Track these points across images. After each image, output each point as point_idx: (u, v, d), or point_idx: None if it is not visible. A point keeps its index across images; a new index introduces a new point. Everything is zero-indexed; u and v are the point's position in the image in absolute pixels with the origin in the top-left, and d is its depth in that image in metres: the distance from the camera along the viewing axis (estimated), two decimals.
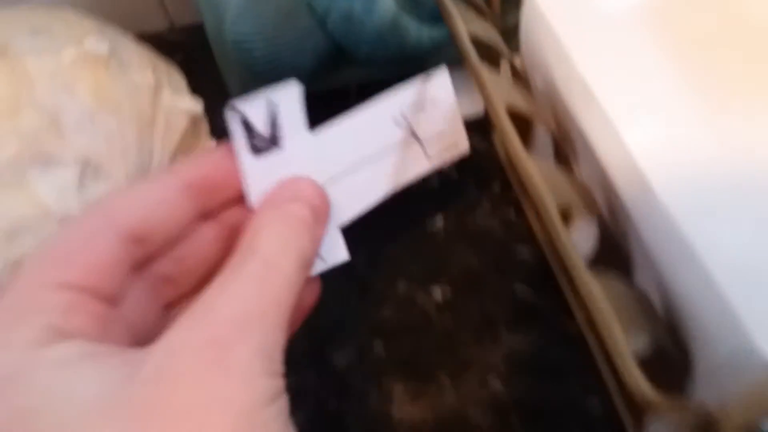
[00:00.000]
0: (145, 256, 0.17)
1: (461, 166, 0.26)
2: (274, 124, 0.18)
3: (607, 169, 0.16)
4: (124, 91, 0.21)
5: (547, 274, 0.23)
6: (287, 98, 0.18)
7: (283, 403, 0.14)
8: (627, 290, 0.15)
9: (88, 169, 0.20)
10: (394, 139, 0.20)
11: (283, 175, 0.18)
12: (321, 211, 0.18)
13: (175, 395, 0.13)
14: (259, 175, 0.18)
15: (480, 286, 0.23)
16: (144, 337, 0.16)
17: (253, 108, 0.17)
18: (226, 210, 0.18)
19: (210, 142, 0.26)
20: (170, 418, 0.13)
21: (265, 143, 0.18)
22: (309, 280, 0.17)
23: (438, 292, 0.23)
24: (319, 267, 0.18)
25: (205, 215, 0.18)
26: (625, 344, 0.13)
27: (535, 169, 0.15)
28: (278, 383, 0.14)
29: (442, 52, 0.29)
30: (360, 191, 0.19)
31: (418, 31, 0.25)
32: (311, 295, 0.19)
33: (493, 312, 0.23)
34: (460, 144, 0.21)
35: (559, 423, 0.20)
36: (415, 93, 0.20)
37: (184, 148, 0.24)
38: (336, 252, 0.18)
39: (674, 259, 0.14)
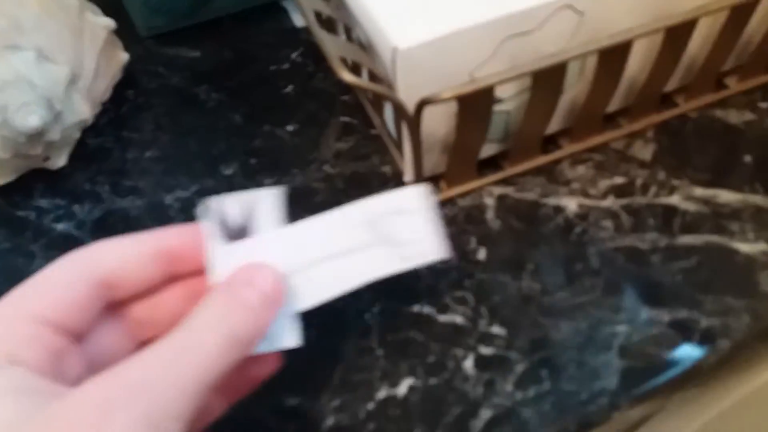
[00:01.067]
0: (115, 300, 0.20)
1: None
2: (248, 218, 0.20)
3: None
4: (58, 7, 0.33)
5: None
6: (267, 200, 0.21)
7: None
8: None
9: (41, 55, 0.31)
10: (367, 240, 0.21)
11: (247, 261, 0.20)
12: (272, 298, 0.19)
13: None
14: (223, 258, 0.20)
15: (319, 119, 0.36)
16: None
17: (232, 202, 0.20)
18: (196, 275, 0.20)
19: (123, 53, 0.37)
20: None
21: (235, 231, 0.20)
22: (264, 356, 0.20)
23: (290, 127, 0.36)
24: (263, 348, 0.19)
25: (177, 277, 0.20)
26: (334, 52, 0.25)
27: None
28: None
29: None
30: (326, 282, 0.21)
31: None
32: (263, 369, 0.21)
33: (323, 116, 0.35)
34: (435, 250, 0.21)
35: (367, 184, 0.32)
36: (393, 200, 0.21)
37: (105, 53, 0.35)
38: (286, 336, 0.20)
39: None
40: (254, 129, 0.35)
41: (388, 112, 0.32)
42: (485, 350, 0.26)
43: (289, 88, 0.37)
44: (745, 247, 0.27)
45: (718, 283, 0.26)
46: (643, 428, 0.30)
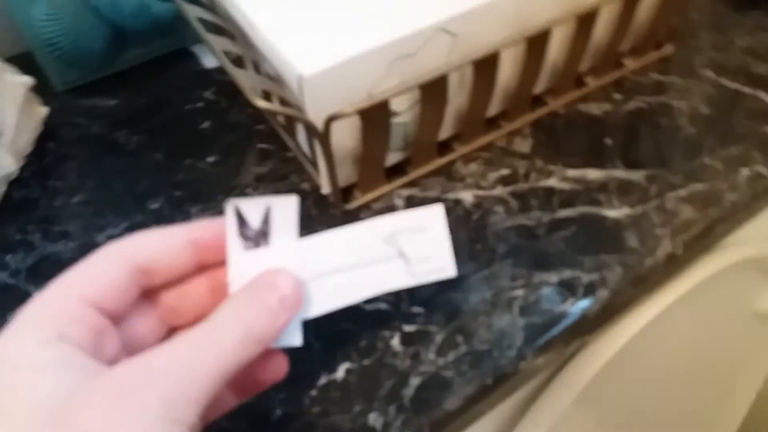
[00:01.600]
0: (151, 286, 0.21)
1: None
2: (266, 222, 0.22)
3: None
4: None
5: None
6: (283, 206, 0.22)
7: None
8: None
9: None
10: (382, 255, 0.22)
11: (265, 266, 0.21)
12: (290, 302, 0.21)
13: (79, 416, 0.17)
14: (241, 261, 0.21)
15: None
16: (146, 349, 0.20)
17: (250, 206, 0.21)
18: (221, 267, 0.22)
19: (42, 108, 0.39)
20: None
21: (253, 235, 0.21)
22: (273, 359, 0.22)
23: (210, 159, 0.39)
24: (270, 345, 0.21)
25: (205, 267, 0.22)
26: (247, 84, 0.28)
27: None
28: (177, 430, 0.17)
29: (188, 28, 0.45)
30: (336, 292, 0.22)
31: (161, 5, 0.40)
32: (273, 373, 0.22)
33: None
34: (446, 268, 0.23)
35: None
36: (409, 218, 0.23)
37: (25, 109, 0.37)
38: (291, 337, 0.22)
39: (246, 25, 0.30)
40: (176, 164, 0.38)
41: (301, 134, 0.35)
42: (408, 328, 0.30)
43: (206, 124, 0.40)
44: (612, 213, 0.33)
45: (593, 245, 0.32)
46: (557, 378, 0.35)
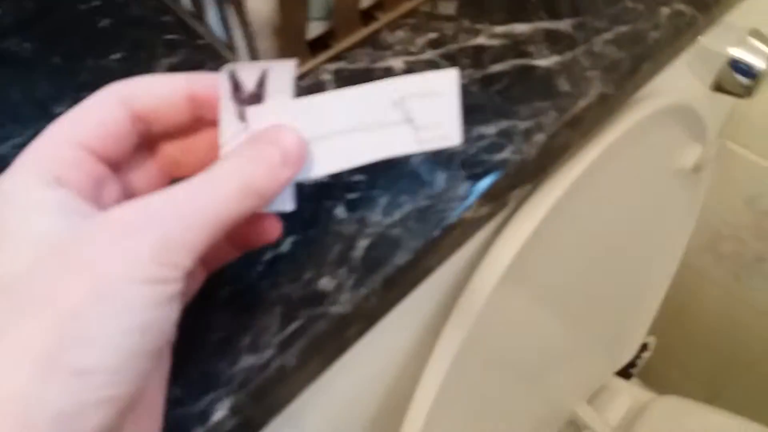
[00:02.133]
0: (149, 134, 0.21)
1: None
2: (261, 86, 0.20)
3: None
4: None
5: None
6: (280, 69, 0.21)
7: (158, 294, 0.17)
8: None
9: None
10: (388, 118, 0.21)
11: (260, 126, 0.20)
12: (293, 158, 0.20)
13: (73, 250, 0.17)
14: (234, 123, 0.21)
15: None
16: None
17: (245, 69, 0.20)
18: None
19: None
20: (54, 273, 0.17)
21: (247, 98, 0.20)
22: (267, 220, 0.22)
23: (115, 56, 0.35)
24: (264, 207, 0.20)
25: (205, 122, 0.21)
26: None
27: None
28: (163, 273, 0.17)
29: None
30: (337, 154, 0.21)
31: None
32: (267, 233, 0.22)
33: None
34: (452, 136, 0.22)
35: None
36: (421, 82, 0.21)
37: None
38: (284, 202, 0.21)
39: None
40: (77, 66, 0.35)
41: (211, 17, 0.33)
42: (352, 195, 0.29)
43: (105, 22, 0.37)
44: (542, 62, 0.33)
45: (527, 94, 0.31)
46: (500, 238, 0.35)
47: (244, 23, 0.29)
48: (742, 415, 0.77)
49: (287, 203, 0.22)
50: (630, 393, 0.85)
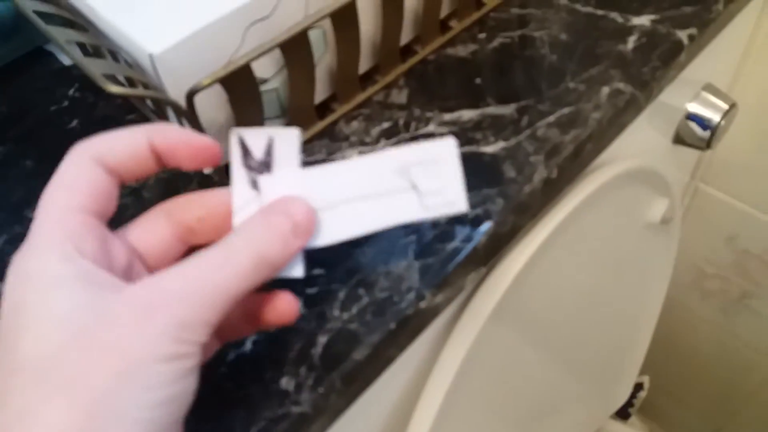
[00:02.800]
0: (121, 184, 0.22)
1: None
2: (268, 153, 0.22)
3: None
4: None
5: None
6: (286, 137, 0.22)
7: (178, 369, 0.19)
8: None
9: None
10: (393, 186, 0.22)
11: (269, 196, 0.22)
12: (303, 228, 0.22)
13: (99, 332, 0.18)
14: (246, 192, 0.22)
15: None
16: (162, 263, 0.23)
17: (252, 135, 0.22)
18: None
19: None
20: (82, 351, 0.18)
21: (256, 165, 0.22)
22: (283, 299, 0.23)
23: None
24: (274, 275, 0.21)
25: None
26: (96, 71, 0.28)
27: None
28: (183, 350, 0.19)
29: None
30: (345, 223, 0.22)
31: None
32: (284, 312, 0.23)
33: None
34: (458, 203, 0.23)
35: (175, 186, 0.35)
36: (421, 150, 0.23)
37: None
38: (293, 268, 0.22)
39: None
40: (49, 168, 0.36)
41: (173, 118, 0.35)
42: (311, 290, 0.31)
43: (74, 123, 0.39)
44: (489, 149, 0.35)
45: (475, 181, 0.33)
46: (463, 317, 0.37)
47: (200, 131, 0.31)
48: None
49: (296, 270, 0.22)
50: None
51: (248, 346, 0.29)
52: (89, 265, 0.20)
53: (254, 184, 0.23)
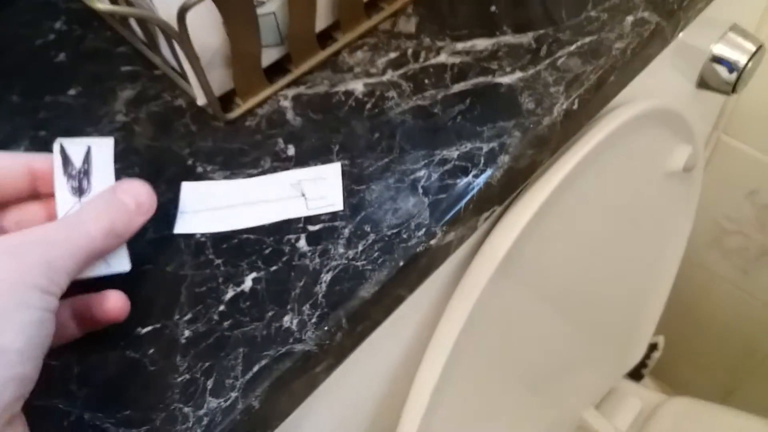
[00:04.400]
0: None
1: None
2: (86, 161, 0.27)
3: None
4: None
5: None
6: (101, 146, 0.27)
7: (43, 301, 0.22)
8: None
9: None
10: (286, 195, 0.30)
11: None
12: (146, 207, 0.26)
13: None
14: (68, 196, 0.26)
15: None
16: None
17: (72, 145, 0.26)
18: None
19: None
20: None
21: (76, 173, 0.26)
22: (116, 299, 0.26)
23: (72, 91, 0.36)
24: (102, 270, 0.26)
25: (37, 196, 0.26)
26: None
27: None
28: (48, 286, 0.22)
29: None
30: (228, 219, 0.29)
31: None
32: (112, 311, 0.26)
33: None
34: (335, 203, 0.30)
35: (166, 120, 0.34)
36: (314, 171, 0.31)
37: None
38: (120, 262, 0.26)
39: None
40: (35, 103, 0.36)
41: (164, 46, 0.34)
42: (313, 228, 0.30)
43: (62, 56, 0.38)
44: (505, 79, 0.33)
45: (490, 113, 0.32)
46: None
47: (192, 57, 0.30)
48: (759, 409, 0.78)
49: (124, 264, 0.27)
50: (640, 395, 0.85)
51: (247, 283, 0.28)
52: None
53: (75, 191, 0.27)
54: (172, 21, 0.28)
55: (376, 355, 0.36)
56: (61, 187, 0.26)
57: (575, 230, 0.45)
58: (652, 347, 1.02)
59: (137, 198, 0.26)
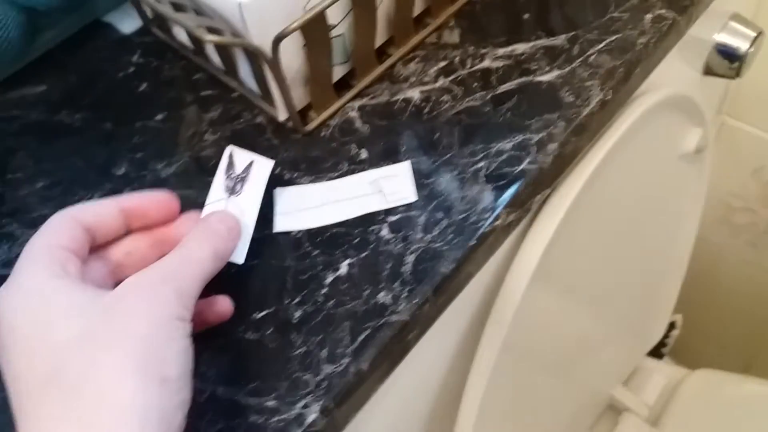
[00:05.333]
0: (94, 244, 0.28)
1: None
2: (247, 170, 0.32)
3: None
4: None
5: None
6: (262, 164, 0.32)
7: (184, 329, 0.25)
8: None
9: None
10: (365, 192, 0.35)
11: (233, 203, 0.32)
12: (235, 230, 0.30)
13: (121, 306, 0.24)
14: (219, 194, 0.32)
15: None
16: None
17: (239, 154, 0.32)
18: (155, 228, 0.30)
19: None
20: (117, 319, 0.24)
21: (235, 177, 0.32)
22: (223, 301, 0.30)
23: (159, 116, 0.41)
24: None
25: (136, 229, 0.30)
26: (192, 24, 0.31)
27: None
28: (184, 314, 0.25)
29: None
30: (320, 216, 0.34)
31: None
32: (222, 312, 0.30)
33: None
34: (410, 196, 0.34)
35: (250, 135, 0.38)
36: (387, 170, 0.35)
37: None
38: (237, 255, 0.31)
39: None
40: (128, 129, 0.40)
41: (243, 70, 0.38)
42: (393, 218, 0.34)
43: (144, 87, 0.42)
44: (545, 78, 0.38)
45: (535, 108, 0.36)
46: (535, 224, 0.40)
47: (280, 79, 0.34)
48: None
49: (239, 257, 0.31)
50: (663, 371, 0.89)
51: (343, 269, 0.33)
52: (77, 278, 0.26)
53: (228, 189, 0.32)
54: (265, 49, 0.32)
55: (452, 322, 0.39)
56: (219, 183, 0.32)
57: (603, 218, 0.49)
58: (671, 326, 1.06)
59: (227, 224, 0.30)
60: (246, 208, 0.32)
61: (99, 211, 0.29)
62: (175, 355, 0.24)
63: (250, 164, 0.33)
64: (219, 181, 0.32)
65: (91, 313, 0.24)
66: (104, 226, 0.29)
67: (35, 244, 0.27)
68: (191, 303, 0.26)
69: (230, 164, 0.33)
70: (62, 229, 0.27)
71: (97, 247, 0.29)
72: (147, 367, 0.23)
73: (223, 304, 0.30)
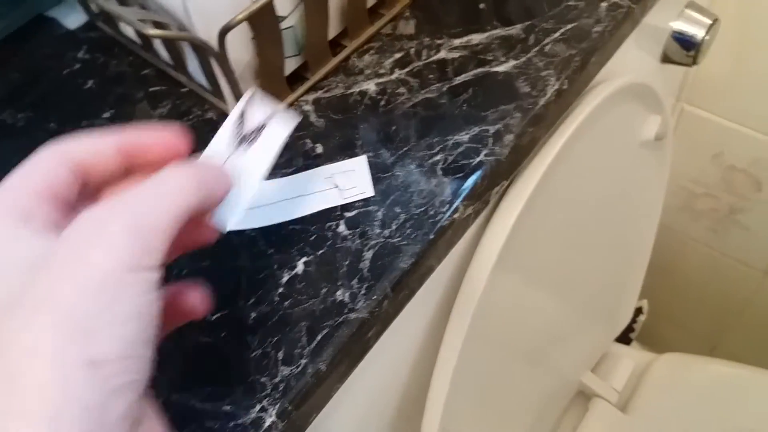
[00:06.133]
0: (89, 184, 0.24)
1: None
2: (260, 128, 0.27)
3: None
4: None
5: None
6: (281, 121, 0.27)
7: (141, 283, 0.19)
8: None
9: None
10: (321, 188, 0.34)
11: (233, 159, 0.27)
12: (225, 180, 0.24)
13: (60, 258, 0.19)
14: (222, 146, 0.27)
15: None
16: None
17: (257, 105, 0.27)
18: (153, 168, 0.24)
19: None
20: (42, 280, 0.19)
21: (244, 132, 0.27)
22: (193, 295, 0.24)
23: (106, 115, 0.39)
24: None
25: (132, 169, 0.25)
26: (134, 18, 0.30)
27: None
28: (143, 261, 0.19)
29: None
30: (280, 212, 0.33)
31: None
32: (195, 306, 0.24)
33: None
34: (367, 191, 0.34)
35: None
36: (343, 165, 0.34)
37: None
38: (226, 218, 0.27)
39: None
40: (72, 129, 0.39)
41: (191, 65, 0.37)
42: (350, 213, 0.33)
43: (90, 83, 0.41)
44: (501, 68, 0.37)
45: (492, 99, 0.36)
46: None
47: (229, 73, 0.33)
48: (741, 361, 0.83)
49: (226, 221, 0.27)
50: (632, 356, 0.90)
51: (299, 267, 0.32)
52: (41, 229, 0.21)
53: (230, 144, 0.27)
54: (212, 41, 0.31)
55: (411, 319, 0.39)
56: (225, 132, 0.27)
57: (565, 206, 0.49)
58: (638, 311, 1.07)
59: (217, 170, 0.25)
60: (249, 166, 0.27)
61: (94, 148, 0.24)
62: (118, 326, 0.18)
63: (267, 119, 0.27)
64: (225, 131, 0.27)
65: (24, 272, 0.20)
66: (99, 165, 0.24)
67: (4, 185, 0.23)
68: (160, 243, 0.20)
69: (242, 117, 0.27)
70: (43, 168, 0.23)
71: (92, 189, 0.25)
72: (67, 348, 0.18)
73: (199, 296, 0.25)
